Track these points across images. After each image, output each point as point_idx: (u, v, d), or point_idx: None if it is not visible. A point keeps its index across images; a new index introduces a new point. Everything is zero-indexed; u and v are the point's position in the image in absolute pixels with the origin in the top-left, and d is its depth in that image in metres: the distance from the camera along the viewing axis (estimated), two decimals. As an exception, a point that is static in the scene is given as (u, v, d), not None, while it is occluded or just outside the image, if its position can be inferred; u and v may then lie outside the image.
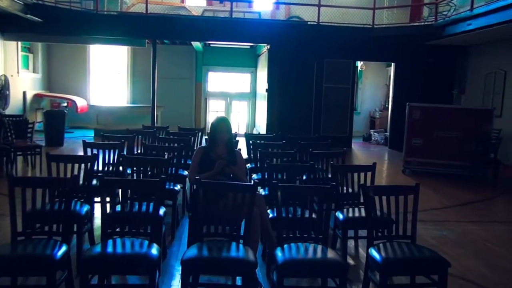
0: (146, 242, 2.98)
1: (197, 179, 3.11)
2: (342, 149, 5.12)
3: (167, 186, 4.58)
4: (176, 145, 5.71)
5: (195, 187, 3.17)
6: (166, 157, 4.86)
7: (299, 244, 3.04)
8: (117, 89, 15.96)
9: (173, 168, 4.97)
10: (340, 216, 3.90)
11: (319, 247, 3.02)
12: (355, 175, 4.22)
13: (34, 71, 14.50)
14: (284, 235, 3.13)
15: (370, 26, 12.02)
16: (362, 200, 4.20)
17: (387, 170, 9.69)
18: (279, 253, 2.90)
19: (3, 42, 12.04)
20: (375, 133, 14.04)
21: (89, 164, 4.06)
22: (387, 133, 13.66)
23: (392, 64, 13.34)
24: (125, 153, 5.54)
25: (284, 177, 4.51)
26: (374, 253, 2.99)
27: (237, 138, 6.84)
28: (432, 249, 3.11)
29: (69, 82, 15.39)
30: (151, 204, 3.10)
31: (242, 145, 7.68)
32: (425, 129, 8.69)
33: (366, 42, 11.97)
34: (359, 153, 11.98)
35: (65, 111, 11.39)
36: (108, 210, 3.14)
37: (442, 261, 2.89)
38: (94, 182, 4.44)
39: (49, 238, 2.99)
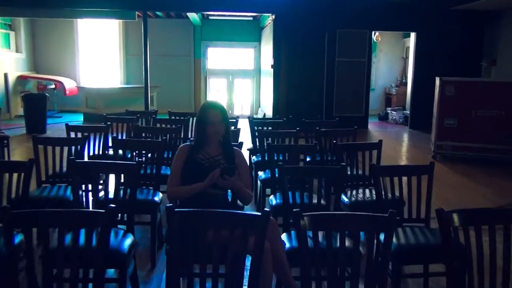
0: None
1: (168, 209, 1.87)
2: (378, 140, 3.87)
3: (141, 197, 3.38)
4: (160, 137, 4.51)
5: (167, 216, 1.93)
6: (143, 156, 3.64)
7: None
8: (109, 68, 14.68)
9: (154, 168, 3.75)
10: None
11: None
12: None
13: (17, 51, 13.19)
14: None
15: (389, -9, 10.61)
16: (412, 214, 2.99)
17: (413, 155, 8.43)
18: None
19: (-25, 17, 10.76)
20: (393, 112, 12.72)
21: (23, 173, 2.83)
22: (407, 111, 12.35)
23: (412, 34, 11.92)
24: (88, 152, 4.37)
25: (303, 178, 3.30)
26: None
27: (238, 125, 5.60)
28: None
29: (56, 62, 14.11)
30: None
31: (245, 132, 6.45)
32: (460, 107, 7.38)
33: (383, 9, 10.62)
34: (378, 134, 10.69)
35: (47, 94, 10.16)
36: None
37: None
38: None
39: None
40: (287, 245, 2.66)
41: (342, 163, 2.92)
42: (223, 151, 2.80)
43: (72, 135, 4.49)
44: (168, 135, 4.57)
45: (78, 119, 12.34)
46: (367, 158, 3.89)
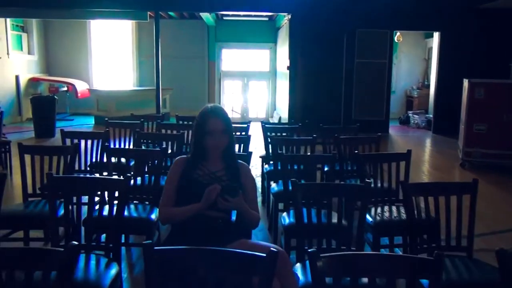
0: None
1: (145, 247, 1.45)
2: (407, 150, 3.38)
3: (135, 214, 2.98)
4: (164, 144, 4.12)
5: (144, 256, 1.50)
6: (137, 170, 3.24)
7: None
8: (122, 71, 14.42)
9: (152, 178, 3.32)
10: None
11: None
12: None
13: (29, 53, 13.02)
14: None
15: (411, -12, 10.10)
16: (450, 241, 2.52)
17: (439, 162, 7.88)
18: None
19: (-14, 19, 10.57)
20: (415, 115, 12.14)
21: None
22: (429, 115, 11.76)
23: (435, 34, 11.36)
24: (86, 160, 3.99)
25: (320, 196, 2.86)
26: None
27: (251, 130, 5.16)
28: None
29: (69, 64, 13.89)
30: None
31: (257, 137, 6.04)
32: (490, 111, 6.83)
33: (406, 8, 10.11)
34: (400, 140, 10.15)
35: (55, 97, 9.89)
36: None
37: None
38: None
39: None
40: (301, 278, 2.22)
41: (367, 180, 2.46)
42: (225, 166, 2.37)
43: (68, 142, 4.13)
44: (170, 142, 4.17)
45: (90, 122, 12.10)
46: (394, 169, 3.42)
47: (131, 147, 4.70)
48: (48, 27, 13.68)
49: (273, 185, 3.98)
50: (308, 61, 10.60)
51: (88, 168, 4.19)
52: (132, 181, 3.38)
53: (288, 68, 10.76)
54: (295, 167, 3.80)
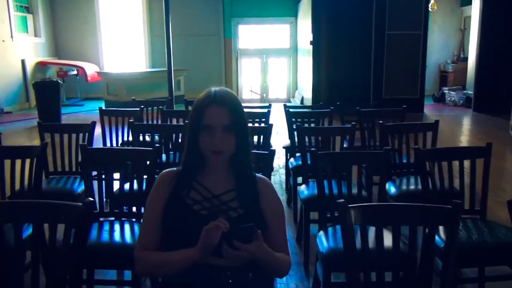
0: None
1: None
2: (487, 144, 2.47)
3: (116, 240, 2.18)
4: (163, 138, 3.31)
5: None
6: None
7: None
8: (134, 52, 13.62)
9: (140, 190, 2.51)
10: None
11: None
12: None
13: (35, 35, 12.31)
14: None
15: None
16: None
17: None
18: None
19: (-15, -1, 9.88)
20: (451, 92, 11.04)
21: None
22: (467, 91, 10.67)
23: (474, 0, 10.19)
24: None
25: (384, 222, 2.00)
26: None
27: (272, 117, 4.30)
28: None
29: (79, 46, 13.16)
30: None
31: (279, 120, 5.18)
32: (554, 86, 5.82)
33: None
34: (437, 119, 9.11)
35: (59, 81, 9.16)
36: None
37: None
38: None
39: None
40: None
41: (455, 201, 1.59)
42: (236, 184, 1.53)
43: (47, 136, 3.35)
44: (174, 135, 3.35)
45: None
46: (466, 168, 2.54)
47: (130, 139, 3.92)
48: (55, 6, 12.93)
49: (302, 187, 3.13)
50: (333, 35, 9.62)
51: (74, 169, 3.41)
52: (117, 186, 2.60)
53: (311, 43, 9.80)
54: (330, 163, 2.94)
